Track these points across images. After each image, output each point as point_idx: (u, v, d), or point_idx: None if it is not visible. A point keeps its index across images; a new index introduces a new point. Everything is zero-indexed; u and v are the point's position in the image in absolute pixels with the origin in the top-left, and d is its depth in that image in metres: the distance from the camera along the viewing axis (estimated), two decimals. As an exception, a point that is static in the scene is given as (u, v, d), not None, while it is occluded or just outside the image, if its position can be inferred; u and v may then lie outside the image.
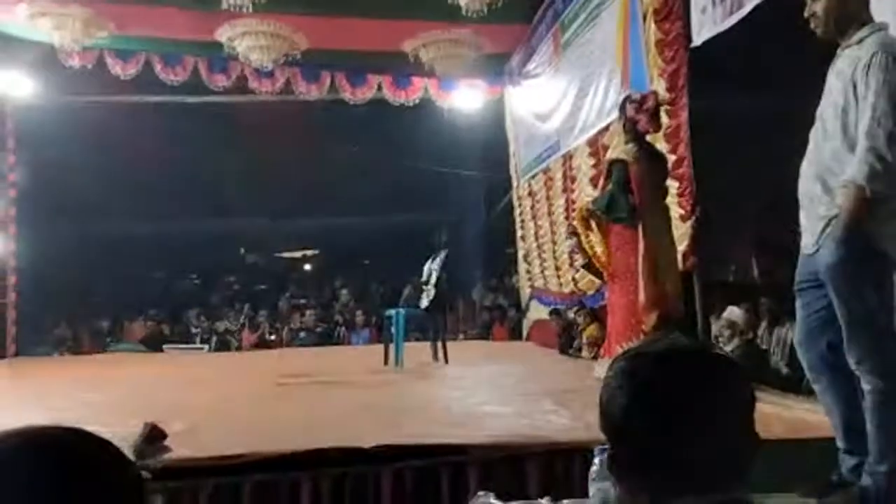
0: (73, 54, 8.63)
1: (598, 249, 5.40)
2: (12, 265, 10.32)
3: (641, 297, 4.75)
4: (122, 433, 3.07)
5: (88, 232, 12.78)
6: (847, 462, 2.77)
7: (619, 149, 5.03)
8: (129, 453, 2.63)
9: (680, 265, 5.05)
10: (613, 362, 1.13)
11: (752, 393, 1.11)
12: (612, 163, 5.01)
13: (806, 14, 2.76)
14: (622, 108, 5.08)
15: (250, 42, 7.96)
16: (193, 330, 11.48)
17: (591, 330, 7.11)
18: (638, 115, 4.96)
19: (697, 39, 4.93)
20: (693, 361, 1.09)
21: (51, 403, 5.49)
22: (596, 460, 2.16)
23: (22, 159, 10.46)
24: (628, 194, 4.86)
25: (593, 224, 5.36)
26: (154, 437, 2.59)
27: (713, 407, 1.05)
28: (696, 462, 1.03)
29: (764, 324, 6.30)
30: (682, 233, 5.19)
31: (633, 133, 4.98)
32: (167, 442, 2.78)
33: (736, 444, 1.05)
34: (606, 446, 2.19)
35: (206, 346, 10.86)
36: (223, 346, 11.08)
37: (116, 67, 9.03)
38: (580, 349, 7.34)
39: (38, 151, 10.62)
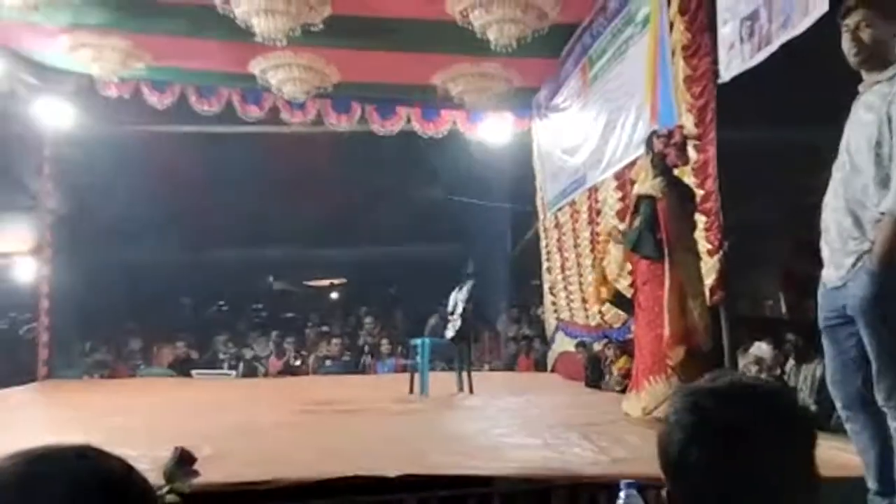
0: (110, 84, 8.86)
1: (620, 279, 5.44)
2: (46, 290, 10.51)
3: (667, 331, 4.75)
4: (151, 456, 3.12)
5: (121, 257, 12.93)
6: (877, 504, 2.72)
7: (646, 184, 5.06)
8: (159, 476, 2.68)
9: (707, 299, 5.05)
10: (672, 397, 1.11)
11: (813, 430, 1.08)
12: (640, 198, 5.04)
13: (848, 40, 2.77)
14: (649, 144, 5.14)
15: (284, 75, 8.12)
16: (221, 356, 11.56)
17: (622, 362, 7.07)
18: (667, 149, 5.01)
19: (726, 75, 4.96)
20: (754, 397, 1.07)
21: (81, 426, 5.57)
22: (622, 494, 2.16)
23: (58, 186, 10.69)
24: (655, 231, 4.87)
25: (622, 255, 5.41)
26: (184, 460, 2.63)
27: (774, 444, 1.02)
28: (756, 501, 1.00)
29: (791, 360, 6.23)
30: (709, 267, 5.19)
31: (662, 167, 5.02)
32: (196, 466, 2.81)
33: (797, 482, 1.03)
34: (633, 480, 2.20)
35: (234, 372, 10.92)
36: (250, 372, 11.14)
37: (152, 98, 9.25)
38: (617, 382, 7.25)
39: (74, 178, 10.84)
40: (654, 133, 5.25)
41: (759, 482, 1.00)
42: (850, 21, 2.76)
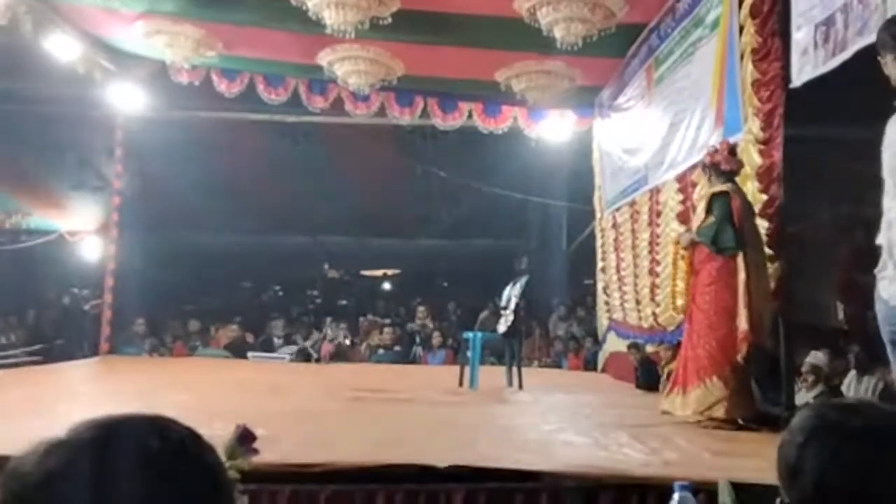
0: (181, 71, 9.07)
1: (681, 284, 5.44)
2: (111, 268, 10.83)
3: (745, 325, 4.74)
4: (207, 434, 3.23)
5: (183, 240, 13.29)
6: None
7: (716, 187, 5.07)
8: (219, 453, 2.78)
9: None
10: (801, 409, 1.12)
11: None
12: (714, 196, 5.04)
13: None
14: (702, 164, 5.29)
15: (350, 66, 8.21)
16: (276, 340, 11.78)
17: (673, 365, 7.01)
18: (716, 158, 5.13)
19: (797, 81, 4.87)
20: (878, 410, 1.06)
21: (140, 401, 5.75)
22: (675, 496, 2.18)
23: (127, 168, 11.01)
24: (733, 225, 4.87)
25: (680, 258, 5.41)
26: (245, 438, 2.71)
27: (888, 455, 0.99)
28: None
29: (852, 372, 6.13)
30: (769, 273, 5.14)
31: (725, 176, 5.10)
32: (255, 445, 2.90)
33: None
34: (686, 482, 2.21)
35: (288, 356, 11.12)
36: (303, 357, 11.34)
37: (221, 85, 9.42)
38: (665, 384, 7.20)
39: (142, 161, 11.16)
40: (706, 153, 5.36)
41: (870, 491, 0.98)
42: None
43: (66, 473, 0.81)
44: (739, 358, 4.77)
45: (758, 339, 4.81)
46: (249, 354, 11.00)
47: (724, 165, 5.10)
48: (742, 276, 4.80)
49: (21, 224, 10.80)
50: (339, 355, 11.38)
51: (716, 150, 5.21)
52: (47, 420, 4.09)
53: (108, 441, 0.84)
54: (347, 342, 11.57)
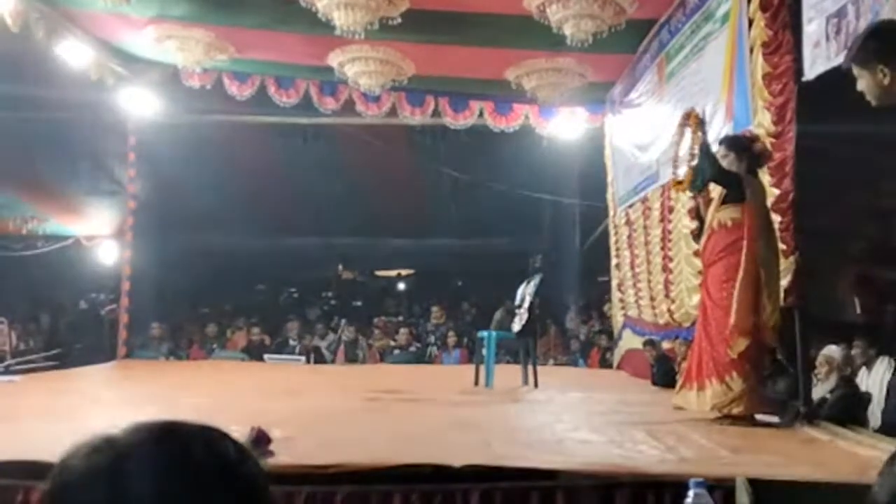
0: (193, 75, 9.13)
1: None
2: (127, 272, 10.90)
3: (732, 319, 4.70)
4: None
5: (198, 243, 13.33)
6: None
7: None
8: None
9: (781, 300, 4.97)
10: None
11: None
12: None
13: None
14: (743, 147, 5.09)
15: (360, 67, 8.25)
16: (292, 342, 11.81)
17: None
18: (760, 147, 5.05)
19: (810, 74, 4.84)
20: None
21: (159, 404, 5.78)
22: (691, 493, 2.17)
23: (140, 173, 11.08)
24: (728, 174, 4.86)
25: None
26: (260, 440, 2.72)
27: None
28: None
29: (862, 363, 6.10)
30: (784, 268, 5.10)
31: (752, 165, 5.02)
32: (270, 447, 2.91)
33: None
34: (701, 479, 2.20)
35: (304, 358, 11.15)
36: (319, 359, 11.37)
37: (233, 88, 9.49)
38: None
39: (156, 165, 11.22)
40: (744, 137, 5.24)
41: None
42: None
43: (108, 469, 0.83)
44: (731, 354, 4.70)
45: (759, 337, 4.75)
46: (266, 356, 11.04)
47: (763, 160, 5.07)
48: (743, 262, 4.72)
49: (38, 230, 10.87)
50: (352, 355, 11.40)
51: (757, 138, 5.12)
52: (67, 425, 4.12)
53: (156, 445, 0.86)
54: (365, 351, 11.58)
